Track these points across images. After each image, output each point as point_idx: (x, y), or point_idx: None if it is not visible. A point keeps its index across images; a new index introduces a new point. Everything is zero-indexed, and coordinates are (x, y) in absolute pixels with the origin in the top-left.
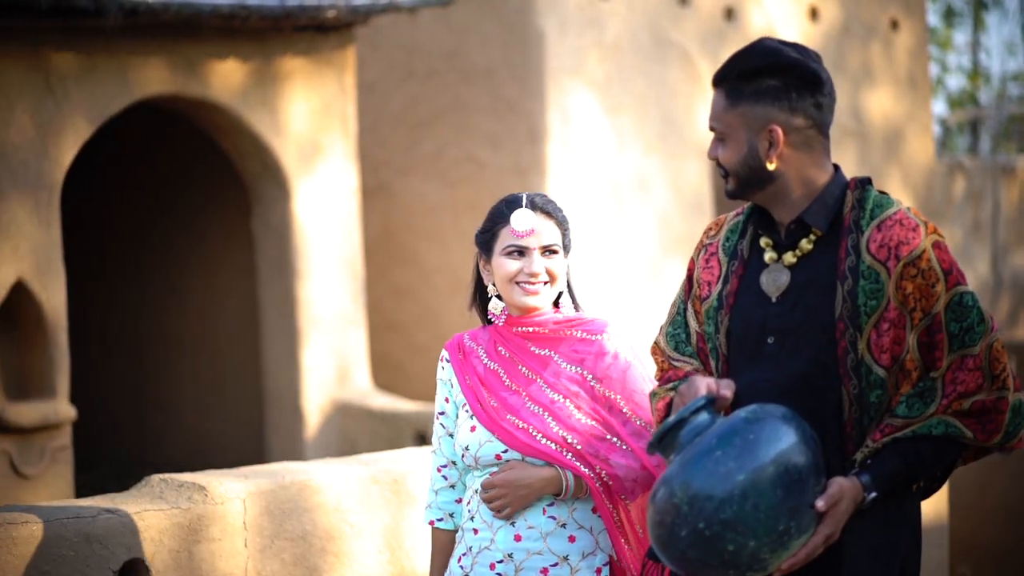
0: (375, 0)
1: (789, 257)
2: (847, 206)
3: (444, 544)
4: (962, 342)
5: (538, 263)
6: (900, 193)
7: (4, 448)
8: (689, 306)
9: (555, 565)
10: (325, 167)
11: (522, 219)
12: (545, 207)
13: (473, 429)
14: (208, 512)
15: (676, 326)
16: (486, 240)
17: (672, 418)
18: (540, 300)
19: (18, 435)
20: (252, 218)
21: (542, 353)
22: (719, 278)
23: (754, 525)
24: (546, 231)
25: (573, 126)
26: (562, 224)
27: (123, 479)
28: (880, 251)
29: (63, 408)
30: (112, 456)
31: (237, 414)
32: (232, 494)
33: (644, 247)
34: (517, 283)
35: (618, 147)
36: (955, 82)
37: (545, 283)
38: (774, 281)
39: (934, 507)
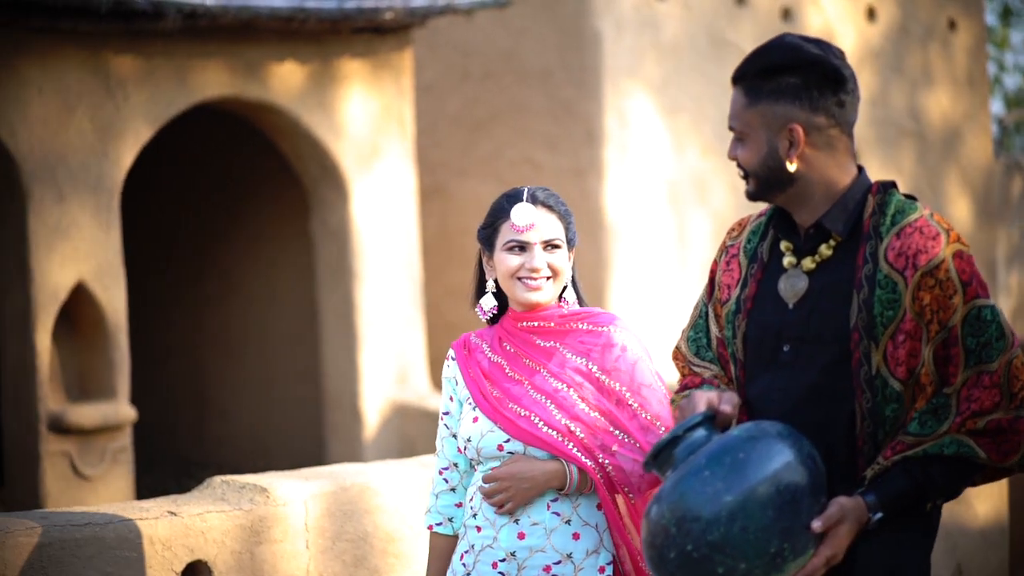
0: (432, 2)
1: (808, 262)
2: (868, 211)
3: (442, 549)
4: (979, 358)
5: (539, 258)
6: (958, 194)
7: (65, 449)
8: (710, 310)
9: (558, 563)
10: (383, 169)
11: (522, 214)
12: (546, 201)
13: (475, 420)
14: (270, 514)
15: (697, 330)
16: (487, 236)
17: (667, 435)
18: (543, 296)
19: (79, 436)
20: (310, 220)
21: (547, 345)
22: (738, 281)
23: (744, 547)
24: (547, 225)
25: (630, 128)
26: (564, 217)
27: (182, 480)
28: (898, 259)
29: (123, 409)
30: (171, 457)
31: (296, 416)
32: (294, 496)
33: (702, 249)
34: (519, 279)
35: (676, 148)
36: (1012, 81)
37: (548, 278)
38: (792, 287)
39: (994, 508)
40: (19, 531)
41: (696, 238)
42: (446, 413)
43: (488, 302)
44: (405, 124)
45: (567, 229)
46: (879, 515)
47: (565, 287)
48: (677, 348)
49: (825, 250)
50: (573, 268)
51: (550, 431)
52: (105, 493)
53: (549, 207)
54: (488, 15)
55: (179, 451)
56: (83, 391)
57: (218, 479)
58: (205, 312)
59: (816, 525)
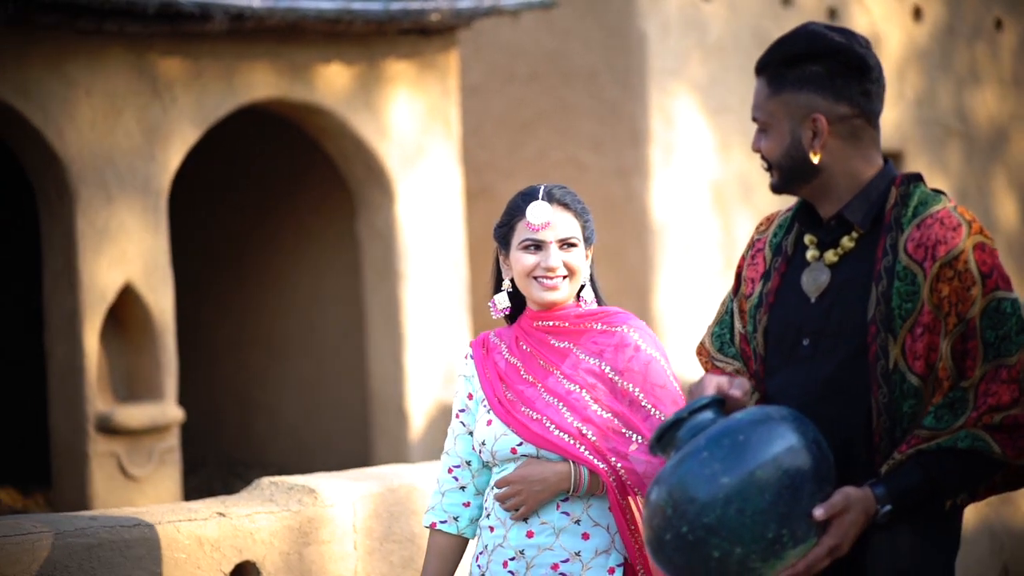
0: (478, 3)
1: (830, 255)
2: (890, 202)
3: (443, 549)
4: (997, 351)
5: (555, 257)
6: (1005, 194)
7: (113, 450)
8: (735, 306)
9: (566, 561)
10: (429, 170)
11: (537, 212)
12: (563, 199)
13: (489, 423)
14: (318, 515)
15: (723, 326)
16: (503, 234)
17: (671, 416)
18: (559, 295)
19: (126, 437)
20: (357, 221)
21: (562, 346)
22: (762, 275)
23: (740, 531)
24: (563, 223)
25: (675, 128)
26: (581, 215)
27: (229, 480)
28: (917, 251)
29: (171, 410)
30: (218, 458)
31: (342, 416)
32: (342, 497)
33: None
34: (535, 278)
35: (721, 149)
36: None
37: (564, 277)
38: (814, 280)
39: None
40: (68, 532)
41: (741, 239)
42: (462, 410)
43: (501, 300)
44: (451, 125)
45: (584, 227)
46: (888, 507)
47: (583, 286)
48: (701, 343)
49: (847, 242)
50: (592, 267)
51: (561, 434)
52: (152, 494)
53: (565, 205)
54: (534, 16)
55: (225, 451)
56: (131, 392)
57: (266, 480)
58: (252, 313)
59: (818, 512)
